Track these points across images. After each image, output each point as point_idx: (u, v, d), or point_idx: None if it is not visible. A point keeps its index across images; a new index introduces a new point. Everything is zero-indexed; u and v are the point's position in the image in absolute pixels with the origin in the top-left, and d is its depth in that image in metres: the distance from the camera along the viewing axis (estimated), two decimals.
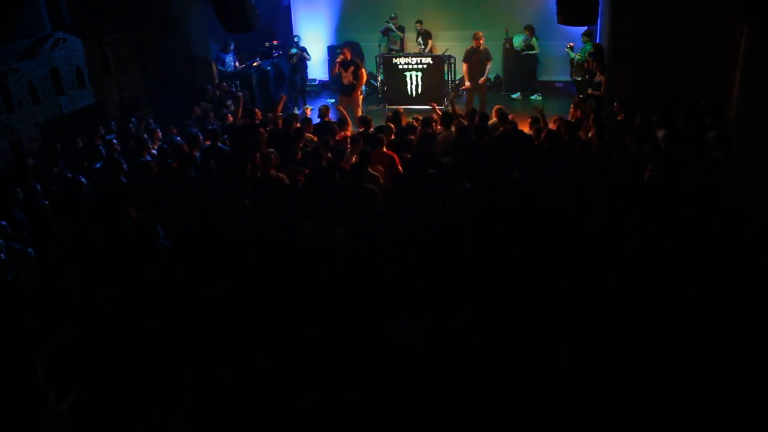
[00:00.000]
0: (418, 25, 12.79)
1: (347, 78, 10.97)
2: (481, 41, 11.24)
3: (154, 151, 7.91)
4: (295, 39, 13.11)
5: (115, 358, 3.65)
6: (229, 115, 9.44)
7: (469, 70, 11.33)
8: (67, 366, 3.13)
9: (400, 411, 3.48)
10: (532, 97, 12.75)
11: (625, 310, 4.17)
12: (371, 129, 8.03)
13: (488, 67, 11.30)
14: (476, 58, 11.28)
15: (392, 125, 8.19)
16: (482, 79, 11.28)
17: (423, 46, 12.74)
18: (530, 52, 12.54)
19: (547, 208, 5.58)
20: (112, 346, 3.79)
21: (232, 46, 12.43)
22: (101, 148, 7.72)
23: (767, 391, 3.58)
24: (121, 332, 4.04)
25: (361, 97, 11.35)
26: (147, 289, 4.69)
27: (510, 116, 8.36)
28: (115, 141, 8.07)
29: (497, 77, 13.26)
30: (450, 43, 12.58)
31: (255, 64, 12.68)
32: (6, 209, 6.06)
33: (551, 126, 8.09)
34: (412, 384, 3.60)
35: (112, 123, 9.12)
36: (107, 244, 5.50)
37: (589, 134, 7.87)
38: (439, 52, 12.48)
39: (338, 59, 11.03)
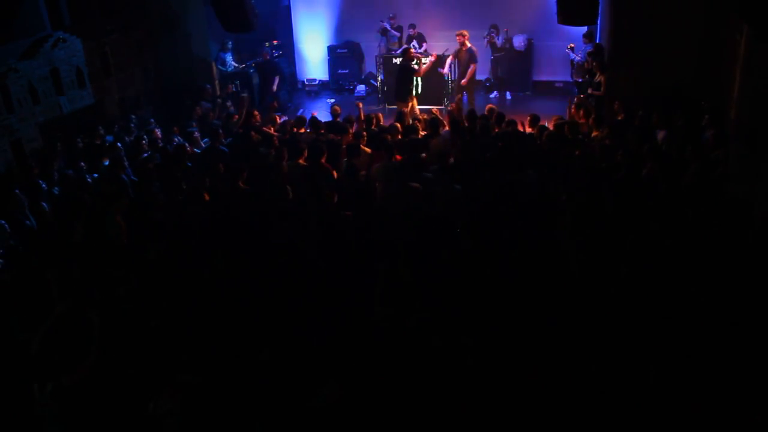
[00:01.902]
0: (411, 29, 12.77)
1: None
2: (464, 39, 11.05)
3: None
4: (267, 46, 12.82)
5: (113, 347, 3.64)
6: (236, 116, 9.44)
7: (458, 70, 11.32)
8: (61, 344, 3.11)
9: (397, 408, 3.48)
10: (491, 95, 12.85)
11: (625, 310, 4.17)
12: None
13: (471, 68, 11.15)
14: (460, 58, 11.25)
15: (399, 125, 8.21)
16: (464, 80, 11.20)
17: (418, 50, 12.71)
18: (497, 54, 12.66)
19: (545, 208, 5.58)
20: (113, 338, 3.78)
21: (230, 45, 12.40)
22: (109, 140, 7.75)
23: (767, 390, 3.58)
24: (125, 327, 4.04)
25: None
26: (147, 286, 4.70)
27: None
28: (119, 144, 8.08)
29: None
30: (450, 43, 12.56)
31: (254, 64, 12.68)
32: (6, 209, 6.08)
33: (550, 126, 8.10)
34: (410, 380, 3.60)
35: (116, 126, 9.13)
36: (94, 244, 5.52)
37: (593, 134, 7.86)
38: (438, 52, 12.46)
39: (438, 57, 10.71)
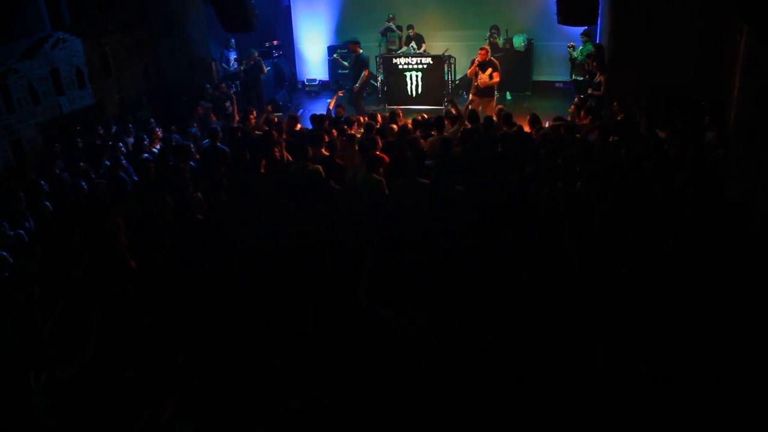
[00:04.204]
0: (410, 30, 12.76)
1: (483, 80, 10.31)
2: (356, 47, 11.25)
3: (154, 150, 7.93)
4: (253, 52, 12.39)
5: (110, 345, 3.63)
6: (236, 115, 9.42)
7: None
8: (60, 337, 3.13)
9: (396, 409, 3.48)
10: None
11: (625, 308, 4.17)
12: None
13: (364, 74, 11.23)
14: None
15: (395, 126, 8.19)
16: (356, 86, 11.35)
17: (417, 50, 12.69)
18: (498, 54, 12.62)
19: (542, 208, 5.58)
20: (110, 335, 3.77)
21: (232, 42, 12.32)
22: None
23: (767, 390, 3.58)
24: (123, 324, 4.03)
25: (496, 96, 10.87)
26: (149, 285, 4.70)
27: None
28: (121, 145, 8.06)
29: None
30: (450, 43, 12.59)
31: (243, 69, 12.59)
32: (7, 209, 6.07)
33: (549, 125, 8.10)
34: (408, 380, 3.60)
35: (114, 127, 9.12)
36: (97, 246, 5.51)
37: (594, 136, 7.85)
38: (438, 52, 12.47)
39: (477, 59, 10.27)
